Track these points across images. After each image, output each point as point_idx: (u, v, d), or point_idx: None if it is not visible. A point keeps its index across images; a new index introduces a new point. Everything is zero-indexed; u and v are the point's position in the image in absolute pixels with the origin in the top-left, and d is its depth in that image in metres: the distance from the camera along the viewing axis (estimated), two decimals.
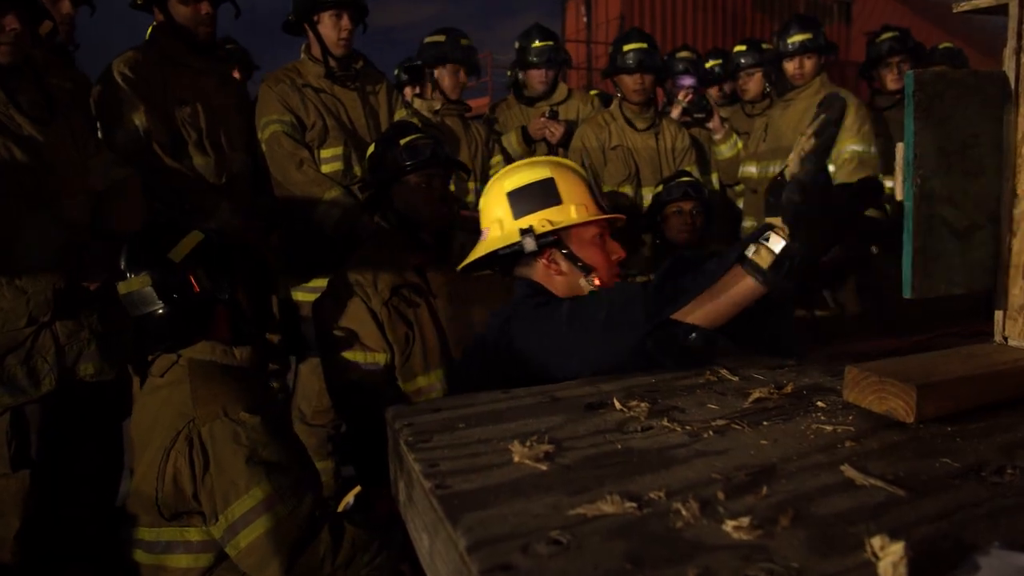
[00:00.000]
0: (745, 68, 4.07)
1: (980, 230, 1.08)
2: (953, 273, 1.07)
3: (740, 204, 3.99)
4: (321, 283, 2.67)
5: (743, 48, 4.12)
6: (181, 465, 1.67)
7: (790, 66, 3.59)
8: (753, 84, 4.06)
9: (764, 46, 4.16)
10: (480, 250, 1.68)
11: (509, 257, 1.65)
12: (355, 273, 2.31)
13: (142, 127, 2.59)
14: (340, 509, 2.76)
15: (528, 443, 0.90)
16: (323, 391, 3.00)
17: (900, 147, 1.04)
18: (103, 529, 2.42)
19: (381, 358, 2.24)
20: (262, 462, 1.63)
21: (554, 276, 1.62)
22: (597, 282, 1.59)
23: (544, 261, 1.62)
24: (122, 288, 1.80)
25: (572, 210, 1.62)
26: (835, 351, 1.34)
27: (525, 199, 1.63)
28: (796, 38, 3.56)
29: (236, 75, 4.32)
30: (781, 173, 3.13)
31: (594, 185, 1.70)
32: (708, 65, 4.52)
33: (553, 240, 1.60)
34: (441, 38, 3.49)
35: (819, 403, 1.03)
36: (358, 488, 2.71)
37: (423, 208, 2.33)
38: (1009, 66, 1.07)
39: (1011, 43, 1.07)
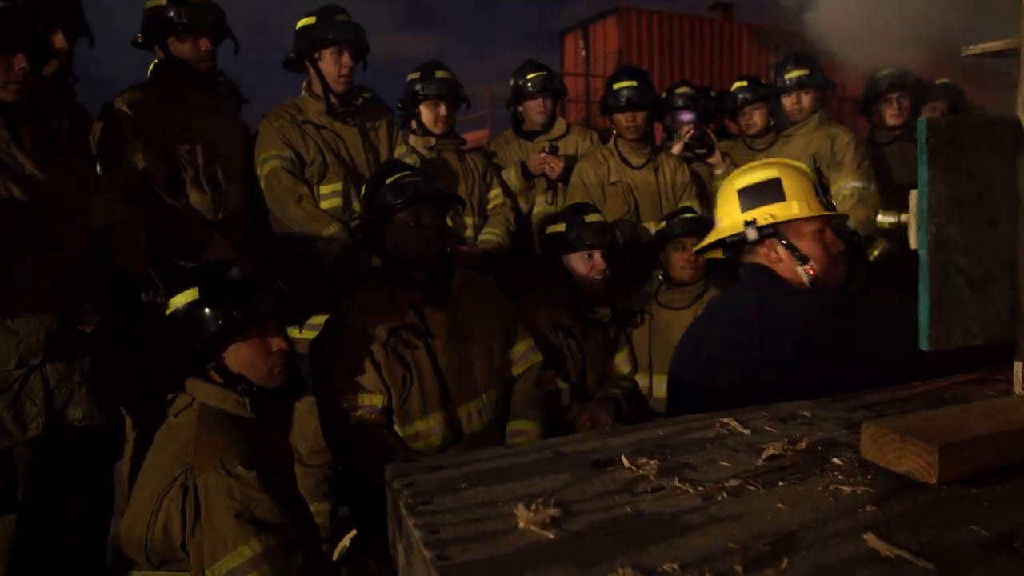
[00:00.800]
0: (750, 103, 4.08)
1: (996, 280, 1.05)
2: (970, 323, 1.04)
3: None
4: (318, 320, 2.63)
5: (744, 84, 4.13)
6: (173, 513, 1.63)
7: (788, 102, 3.61)
8: (758, 118, 4.05)
9: (763, 81, 4.19)
10: (710, 237, 1.96)
11: (736, 244, 1.88)
12: (352, 313, 2.28)
13: (141, 165, 2.58)
14: (336, 553, 2.70)
15: (534, 506, 0.86)
16: (319, 431, 2.95)
17: (913, 194, 1.01)
18: (92, 573, 2.36)
19: (378, 400, 2.19)
20: (253, 520, 1.59)
21: (775, 262, 1.82)
22: (811, 271, 1.79)
23: (765, 249, 1.83)
24: (172, 303, 1.84)
25: (794, 206, 1.82)
26: (846, 399, 1.30)
27: (752, 195, 1.86)
28: (794, 74, 3.59)
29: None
30: None
31: (819, 186, 1.87)
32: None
33: (772, 231, 1.81)
34: (416, 75, 3.50)
35: (835, 460, 0.99)
36: (354, 531, 2.66)
37: (413, 247, 2.29)
38: (1021, 112, 1.05)
39: (1022, 89, 1.05)
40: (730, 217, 1.91)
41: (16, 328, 2.08)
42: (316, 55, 2.98)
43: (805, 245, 1.81)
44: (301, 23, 3.02)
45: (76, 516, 2.31)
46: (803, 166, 1.94)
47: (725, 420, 1.15)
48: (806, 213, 1.82)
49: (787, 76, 3.60)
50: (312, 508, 2.25)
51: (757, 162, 1.98)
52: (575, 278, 2.92)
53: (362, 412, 2.18)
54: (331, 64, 2.97)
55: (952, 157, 1.01)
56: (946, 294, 1.01)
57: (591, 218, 2.96)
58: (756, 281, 1.85)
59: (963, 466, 0.90)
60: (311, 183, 2.92)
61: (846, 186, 3.40)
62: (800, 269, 1.80)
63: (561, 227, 2.96)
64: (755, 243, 1.84)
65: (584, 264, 2.91)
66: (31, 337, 2.11)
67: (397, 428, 2.23)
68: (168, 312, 1.85)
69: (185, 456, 1.66)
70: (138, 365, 2.42)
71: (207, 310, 1.80)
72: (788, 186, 1.85)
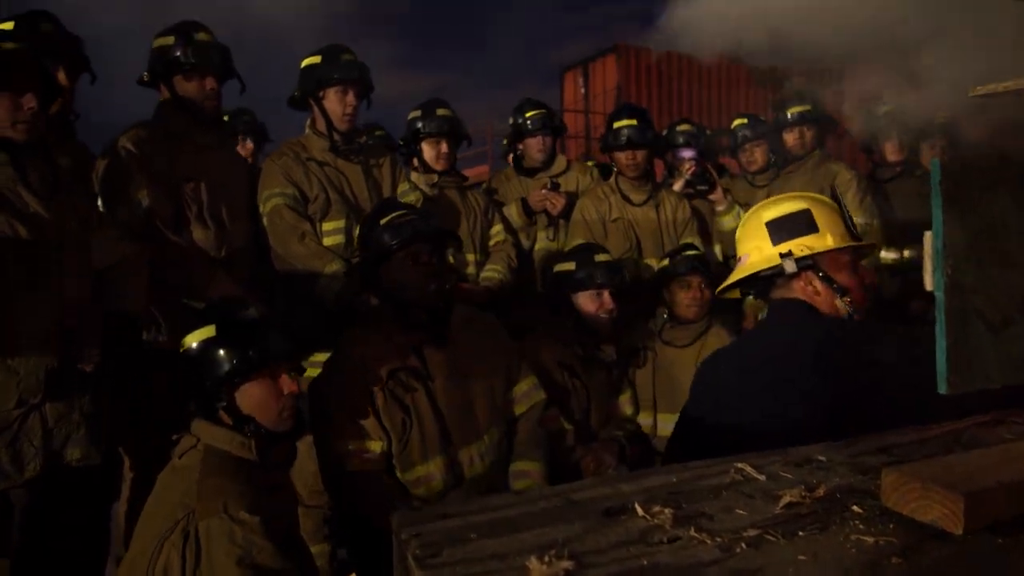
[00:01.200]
0: (750, 140, 4.10)
1: (1014, 322, 1.03)
2: (989, 367, 1.02)
3: None
4: (319, 358, 2.60)
5: (744, 121, 4.16)
6: (173, 558, 1.59)
7: (790, 137, 3.62)
8: (759, 155, 4.07)
9: (763, 118, 4.22)
10: (740, 272, 1.86)
11: (766, 281, 1.82)
12: (352, 354, 2.25)
13: (145, 203, 2.58)
14: None
15: (546, 559, 0.83)
16: (319, 471, 2.91)
17: (928, 236, 1.00)
18: None
19: (377, 446, 2.16)
20: (254, 566, 1.55)
21: (812, 296, 1.76)
22: (849, 304, 1.74)
23: (801, 283, 1.77)
24: (186, 341, 1.81)
25: (829, 237, 1.78)
26: (859, 442, 1.27)
27: (784, 227, 1.81)
28: (796, 109, 3.61)
29: (249, 146, 4.38)
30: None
31: (847, 216, 1.85)
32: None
33: (810, 264, 1.75)
34: (417, 113, 3.52)
35: (855, 508, 0.96)
36: (353, 575, 2.60)
37: (412, 286, 2.26)
38: None
39: None
40: (760, 251, 1.84)
41: (16, 367, 2.06)
42: (321, 94, 3.00)
43: (843, 277, 1.77)
44: (306, 62, 3.05)
45: (72, 559, 2.26)
46: (826, 198, 1.90)
47: (739, 466, 1.13)
48: (841, 244, 1.78)
49: (789, 112, 3.62)
50: (312, 550, 2.20)
51: (781, 196, 1.94)
52: (582, 316, 2.91)
53: (361, 457, 2.14)
54: (335, 103, 2.99)
55: (966, 198, 1.00)
56: (964, 337, 1.00)
57: (601, 257, 2.97)
58: (793, 316, 1.77)
59: (988, 515, 0.87)
60: (314, 220, 2.92)
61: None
62: (839, 302, 1.75)
63: (571, 265, 2.96)
64: (790, 277, 1.78)
65: (593, 303, 2.90)
66: (31, 376, 2.09)
67: (398, 473, 2.19)
68: (182, 350, 1.82)
69: (188, 499, 1.62)
70: (138, 404, 2.40)
71: (222, 349, 1.77)
72: (819, 217, 1.80)
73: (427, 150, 3.48)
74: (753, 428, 1.58)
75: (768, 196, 3.73)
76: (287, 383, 1.83)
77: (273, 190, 2.89)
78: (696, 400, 1.84)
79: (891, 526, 0.91)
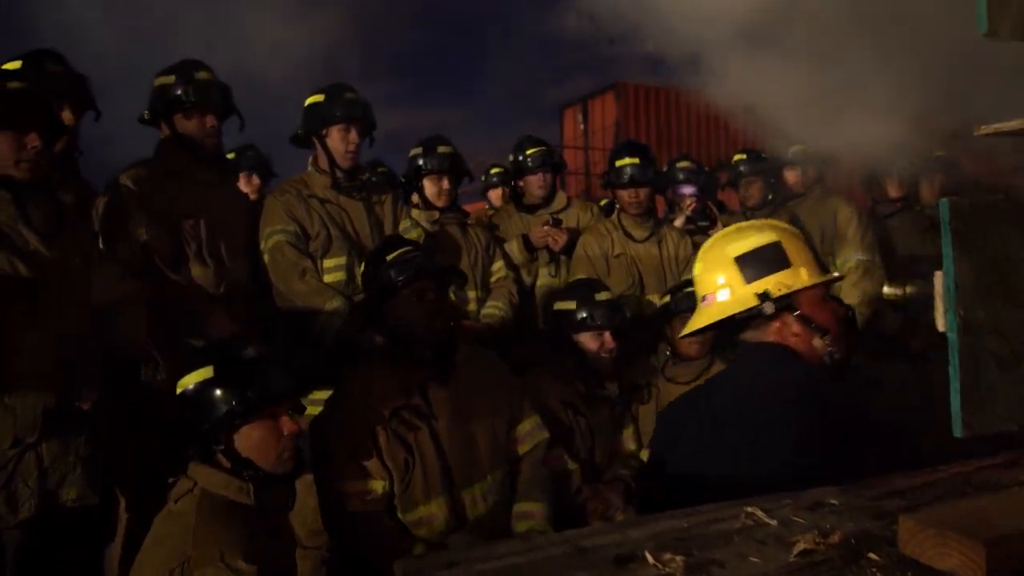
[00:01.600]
0: (746, 176, 4.12)
1: None
2: (1005, 408, 1.00)
3: None
4: (320, 396, 2.58)
5: (743, 157, 4.18)
6: None
7: (791, 174, 3.63)
8: (756, 191, 4.09)
9: (762, 154, 4.25)
10: (711, 315, 1.69)
11: (737, 322, 1.68)
12: (354, 392, 2.23)
13: (144, 240, 2.57)
14: None
15: None
16: (318, 510, 2.86)
17: (939, 276, 0.99)
18: None
19: (379, 485, 2.13)
20: None
21: (789, 338, 1.65)
22: (828, 344, 1.65)
23: (778, 324, 1.66)
24: (184, 382, 1.78)
25: (803, 273, 1.66)
26: (872, 486, 1.25)
27: (755, 263, 1.67)
28: (798, 147, 3.61)
29: (255, 181, 4.40)
30: None
31: (814, 245, 1.75)
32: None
33: (788, 304, 1.64)
34: (419, 150, 3.53)
35: (872, 555, 0.94)
36: None
37: (417, 323, 2.26)
38: None
39: None
40: (732, 290, 1.69)
41: (13, 405, 2.04)
42: (324, 131, 3.02)
43: (820, 315, 1.66)
44: (310, 100, 3.07)
45: None
46: (790, 226, 1.79)
47: (750, 510, 1.10)
48: (817, 279, 1.67)
49: (792, 148, 3.63)
50: None
51: (742, 225, 1.78)
52: (584, 354, 2.88)
53: (363, 498, 2.11)
54: (338, 141, 3.00)
55: (976, 238, 0.99)
56: (977, 377, 0.98)
57: (601, 296, 2.95)
58: (769, 362, 1.64)
59: (1009, 563, 0.85)
60: (315, 257, 2.91)
61: (851, 258, 3.40)
62: (818, 342, 1.65)
63: (571, 304, 2.93)
64: (766, 318, 1.65)
65: (594, 342, 2.88)
66: (27, 415, 2.06)
67: (399, 514, 2.15)
68: (179, 391, 1.78)
69: (184, 546, 1.59)
70: (135, 444, 2.37)
71: (219, 390, 1.72)
72: (790, 250, 1.68)
73: (428, 187, 3.49)
74: (724, 475, 1.50)
75: None
76: (287, 424, 1.79)
77: (275, 227, 2.89)
78: (660, 444, 1.77)
79: (908, 574, 0.88)
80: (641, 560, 0.94)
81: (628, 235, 3.63)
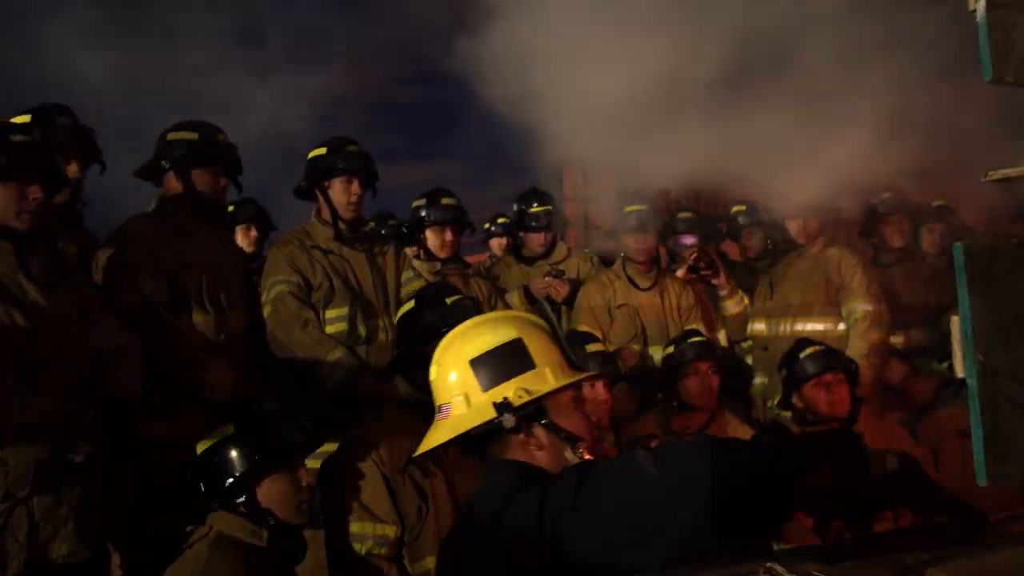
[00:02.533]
0: (746, 227, 4.15)
1: None
2: None
3: (749, 360, 3.91)
4: (327, 448, 2.53)
5: (743, 208, 4.22)
6: None
7: (794, 226, 3.63)
8: (756, 241, 4.12)
9: (760, 204, 4.29)
10: (445, 432, 1.45)
11: (480, 436, 1.44)
12: (370, 436, 2.21)
13: (145, 290, 2.58)
14: None
15: None
16: (318, 567, 2.78)
17: (955, 321, 0.98)
18: None
19: (390, 531, 2.09)
20: None
21: (534, 452, 1.42)
22: (583, 453, 1.43)
23: (521, 436, 1.42)
24: (206, 441, 1.89)
25: (548, 374, 1.45)
26: (891, 543, 1.21)
27: (493, 366, 1.44)
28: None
29: (253, 234, 4.42)
30: (797, 342, 3.02)
31: (562, 339, 1.56)
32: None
33: (532, 412, 1.42)
34: (422, 202, 3.55)
35: None
36: None
37: None
38: None
39: None
40: (466, 400, 1.44)
41: (5, 458, 1.99)
42: (326, 184, 3.04)
43: (570, 421, 1.45)
44: (313, 153, 3.10)
45: None
46: (535, 318, 1.59)
47: (769, 564, 1.06)
48: (564, 380, 1.46)
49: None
50: None
51: (480, 319, 1.58)
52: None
53: (372, 543, 2.07)
54: (340, 193, 3.02)
55: (992, 282, 0.98)
56: (1000, 425, 0.96)
57: (592, 348, 2.96)
58: (502, 486, 1.38)
59: None
60: (317, 307, 2.91)
61: (858, 309, 3.39)
62: (569, 453, 1.43)
63: None
64: (508, 430, 1.41)
65: (587, 393, 2.86)
66: (19, 468, 2.01)
67: (407, 563, 2.10)
68: (200, 450, 1.88)
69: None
70: (132, 498, 2.32)
71: (242, 446, 1.84)
72: (533, 347, 1.46)
73: (431, 238, 3.50)
74: None
75: (768, 283, 3.73)
76: (305, 475, 1.91)
77: (278, 277, 2.90)
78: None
79: None
80: None
81: (633, 283, 3.63)
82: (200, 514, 1.90)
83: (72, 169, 2.62)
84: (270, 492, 1.86)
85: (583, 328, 3.51)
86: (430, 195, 3.58)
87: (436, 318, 2.29)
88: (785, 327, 3.54)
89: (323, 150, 3.09)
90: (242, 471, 1.82)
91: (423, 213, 3.51)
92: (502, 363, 1.45)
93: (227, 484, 1.82)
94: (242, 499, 1.83)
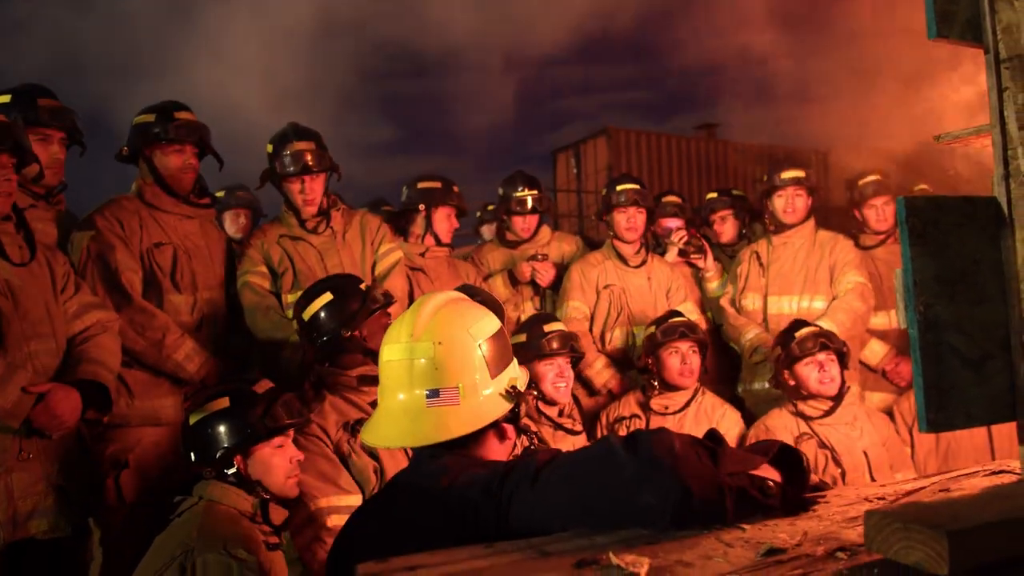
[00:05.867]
0: (718, 212, 4.22)
1: (993, 359, 1.01)
2: (970, 405, 1.00)
3: (735, 345, 3.92)
4: None
5: (714, 195, 4.31)
6: None
7: (781, 202, 3.61)
8: (728, 228, 4.19)
9: (735, 192, 4.39)
10: (464, 422, 1.31)
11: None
12: (313, 420, 2.24)
13: (118, 269, 2.59)
14: None
15: None
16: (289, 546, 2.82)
17: (898, 273, 1.00)
18: None
19: (356, 500, 2.11)
20: None
21: (494, 443, 1.36)
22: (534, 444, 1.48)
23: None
24: (199, 412, 1.93)
25: (516, 364, 1.44)
26: (849, 494, 1.23)
27: (497, 352, 1.36)
28: (790, 174, 3.62)
29: (242, 220, 4.44)
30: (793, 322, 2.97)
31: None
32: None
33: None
34: (437, 184, 3.56)
35: (840, 554, 0.92)
36: None
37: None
38: (999, 192, 1.05)
39: (998, 170, 1.05)
40: (478, 387, 1.33)
41: None
42: (282, 184, 3.03)
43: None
44: (268, 147, 3.07)
45: None
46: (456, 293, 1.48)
47: None
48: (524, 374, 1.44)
49: (783, 175, 3.63)
50: None
51: (458, 295, 1.47)
52: (540, 389, 2.94)
53: (339, 514, 2.09)
54: (295, 193, 3.00)
55: (934, 235, 1.00)
56: (942, 375, 0.98)
57: (551, 327, 3.02)
58: (459, 464, 1.27)
59: (975, 555, 0.83)
60: (280, 294, 2.94)
61: (851, 279, 3.44)
62: (525, 441, 1.45)
63: (522, 337, 3.01)
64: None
65: (550, 372, 2.95)
66: None
67: None
68: (193, 421, 1.92)
69: (187, 539, 1.69)
70: (110, 474, 2.34)
71: (235, 418, 1.89)
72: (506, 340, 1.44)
73: (443, 221, 3.54)
74: None
75: (753, 257, 3.73)
76: (294, 452, 1.96)
77: (247, 267, 2.95)
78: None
79: (875, 571, 0.87)
80: (604, 563, 0.92)
81: (621, 262, 3.65)
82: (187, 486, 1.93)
83: (54, 150, 2.63)
84: (259, 463, 1.91)
85: (574, 303, 3.55)
86: (444, 180, 3.60)
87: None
88: (789, 305, 3.55)
89: (270, 148, 3.03)
90: (234, 441, 1.87)
91: (440, 195, 3.52)
92: (501, 349, 1.38)
93: (218, 454, 1.86)
94: (233, 469, 1.88)
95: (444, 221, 3.53)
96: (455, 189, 3.60)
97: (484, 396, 1.33)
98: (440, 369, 1.32)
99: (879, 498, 1.16)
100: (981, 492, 0.98)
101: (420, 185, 3.59)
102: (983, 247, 1.04)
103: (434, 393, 1.32)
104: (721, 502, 1.03)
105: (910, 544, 0.85)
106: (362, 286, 2.47)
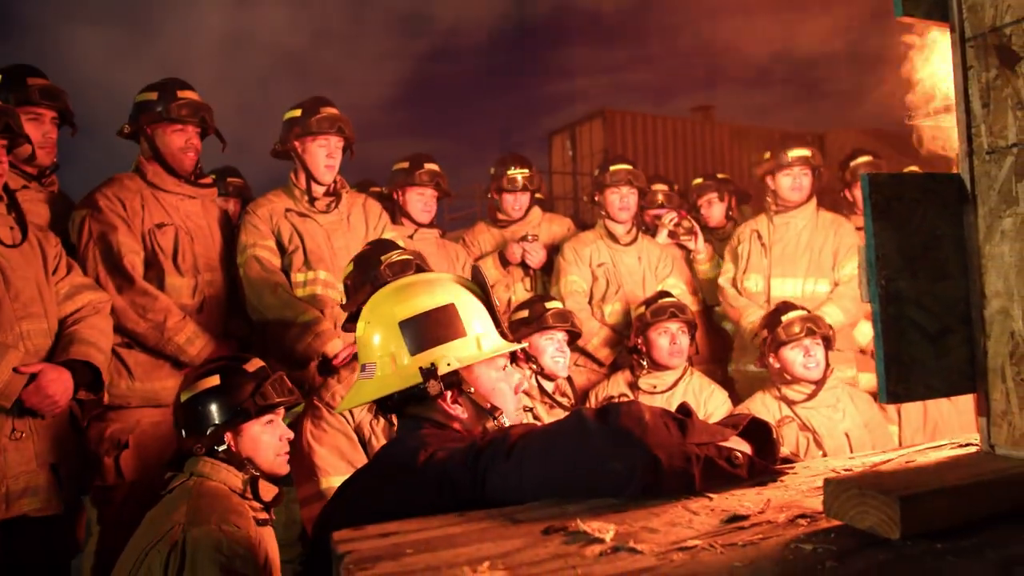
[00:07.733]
0: (704, 196, 4.25)
1: (953, 333, 1.04)
2: (930, 378, 1.02)
3: (726, 325, 3.95)
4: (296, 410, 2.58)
5: (700, 181, 4.38)
6: (155, 565, 1.62)
7: (787, 180, 3.60)
8: (716, 212, 4.22)
9: (720, 176, 4.46)
10: (368, 392, 1.45)
11: (400, 398, 1.43)
12: (335, 395, 2.25)
13: (120, 251, 2.59)
14: None
15: (479, 570, 0.82)
16: (291, 522, 2.85)
17: (860, 248, 1.02)
18: None
19: None
20: (236, 573, 1.60)
21: (451, 419, 1.43)
22: (504, 422, 1.44)
23: (446, 403, 1.42)
24: (190, 389, 1.93)
25: (477, 342, 1.45)
26: (818, 466, 1.27)
27: (423, 330, 1.43)
28: (797, 153, 3.61)
29: (233, 207, 4.43)
30: (779, 305, 2.98)
31: (495, 307, 1.53)
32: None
33: (457, 380, 1.42)
34: (405, 164, 3.57)
35: (800, 521, 0.95)
36: None
37: None
38: (963, 168, 1.07)
39: (961, 147, 1.08)
40: (393, 360, 1.43)
41: None
42: (301, 146, 3.04)
43: (493, 392, 1.46)
44: (288, 115, 3.10)
45: None
46: (470, 284, 1.56)
47: None
48: (492, 352, 1.46)
49: (790, 154, 3.62)
50: None
51: (415, 278, 1.57)
52: (540, 363, 2.97)
53: None
54: (316, 155, 3.03)
55: (897, 211, 1.02)
56: (903, 348, 1.01)
57: (551, 304, 3.07)
58: (411, 442, 1.34)
59: (926, 520, 0.86)
60: (288, 271, 2.93)
61: (856, 266, 3.46)
62: (490, 424, 1.44)
63: (524, 312, 3.05)
64: (433, 396, 1.41)
65: (550, 346, 2.98)
66: None
67: None
68: (184, 398, 1.92)
69: (177, 515, 1.70)
70: (101, 453, 2.36)
71: (226, 395, 1.90)
72: (465, 314, 1.46)
73: (415, 202, 3.54)
74: None
75: (753, 236, 3.74)
76: (285, 430, 1.96)
77: (250, 241, 2.91)
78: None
79: (832, 535, 0.90)
80: (571, 530, 0.95)
81: (613, 238, 3.68)
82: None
83: (45, 129, 2.63)
84: (250, 440, 1.91)
85: (571, 276, 3.59)
86: (413, 158, 3.60)
87: (370, 279, 2.30)
88: (794, 288, 3.55)
89: (297, 112, 3.08)
90: (224, 419, 1.89)
91: (406, 175, 3.54)
92: (432, 328, 1.44)
93: (208, 431, 1.87)
94: (223, 446, 1.89)
95: (416, 202, 3.53)
96: (428, 167, 3.55)
97: (397, 371, 1.43)
98: (367, 347, 1.49)
99: (846, 470, 1.20)
100: (939, 462, 1.01)
101: (393, 168, 3.61)
102: (945, 223, 1.06)
103: (363, 367, 1.50)
104: (688, 471, 1.07)
105: (865, 509, 0.88)
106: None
